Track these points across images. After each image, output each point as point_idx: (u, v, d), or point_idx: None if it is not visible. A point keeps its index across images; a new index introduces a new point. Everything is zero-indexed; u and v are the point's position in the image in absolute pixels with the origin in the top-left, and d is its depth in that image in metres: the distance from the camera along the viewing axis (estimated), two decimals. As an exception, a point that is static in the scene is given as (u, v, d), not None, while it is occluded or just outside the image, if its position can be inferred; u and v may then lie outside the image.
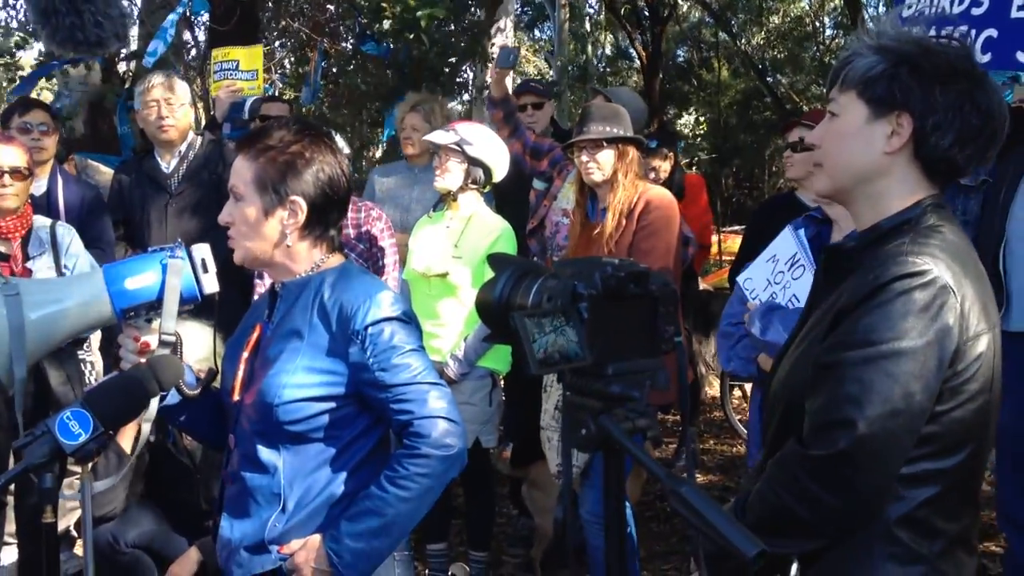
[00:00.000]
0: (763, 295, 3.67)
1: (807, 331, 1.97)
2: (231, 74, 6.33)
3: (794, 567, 1.45)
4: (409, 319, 2.37)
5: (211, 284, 2.41)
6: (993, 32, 4.11)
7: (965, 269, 1.80)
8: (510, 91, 5.49)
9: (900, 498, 1.80)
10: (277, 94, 10.26)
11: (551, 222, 4.94)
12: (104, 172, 6.35)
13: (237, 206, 2.35)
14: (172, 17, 7.44)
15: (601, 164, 4.15)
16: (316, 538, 2.30)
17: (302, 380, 2.29)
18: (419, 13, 6.99)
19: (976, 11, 4.24)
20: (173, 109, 5.05)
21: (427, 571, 4.69)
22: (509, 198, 5.36)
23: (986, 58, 4.07)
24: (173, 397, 2.47)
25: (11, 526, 4.52)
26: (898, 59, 1.83)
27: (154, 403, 2.41)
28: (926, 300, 1.74)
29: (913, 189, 1.89)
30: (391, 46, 8.23)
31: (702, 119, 23.15)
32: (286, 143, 2.33)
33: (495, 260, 1.81)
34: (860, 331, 1.77)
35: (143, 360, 2.35)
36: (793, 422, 1.87)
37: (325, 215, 2.37)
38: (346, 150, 5.31)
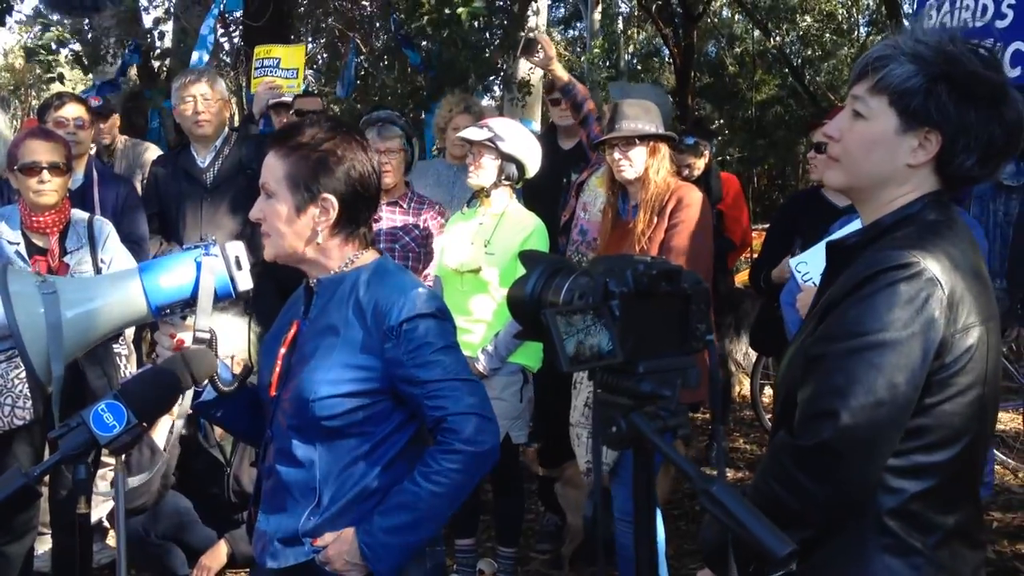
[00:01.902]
0: (817, 279, 3.64)
1: (805, 324, 1.99)
2: (271, 71, 6.38)
3: None
4: (444, 315, 2.37)
5: (245, 281, 2.43)
6: (1021, 45, 4.07)
7: (957, 262, 1.81)
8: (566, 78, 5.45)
9: (892, 490, 1.81)
10: (312, 90, 10.31)
11: (575, 216, 4.96)
12: (150, 148, 6.48)
13: (268, 203, 2.36)
14: (209, 23, 7.51)
15: (633, 161, 4.13)
16: (349, 531, 2.31)
17: (338, 376, 2.30)
18: (460, 10, 6.98)
19: (1000, 24, 4.21)
20: (209, 105, 5.10)
21: (455, 566, 4.70)
22: (542, 194, 5.36)
23: (1015, 72, 4.04)
24: (209, 392, 2.49)
25: (45, 516, 4.57)
26: (936, 74, 1.82)
27: (187, 398, 2.44)
28: (911, 292, 1.75)
29: (924, 191, 1.90)
30: (420, 54, 8.25)
31: (731, 118, 23.01)
32: (318, 141, 2.34)
33: (526, 257, 1.81)
34: (846, 323, 1.80)
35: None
36: (789, 413, 1.89)
37: (356, 212, 2.38)
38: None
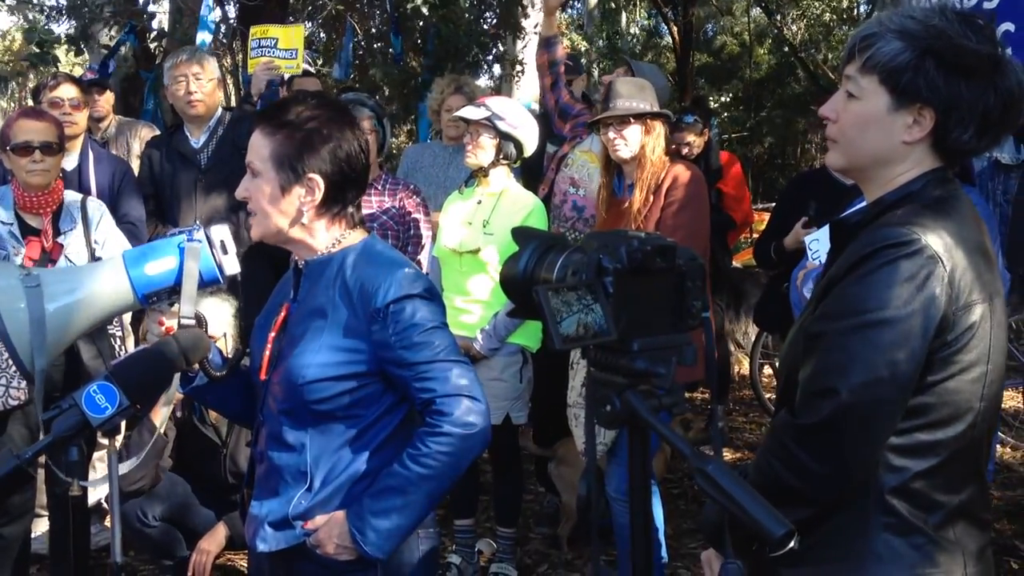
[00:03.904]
0: (825, 257, 3.62)
1: (807, 304, 1.98)
2: (268, 51, 6.31)
3: (792, 537, 1.45)
4: (431, 296, 2.34)
5: (232, 265, 2.40)
6: (1010, 26, 4.05)
7: (960, 239, 1.79)
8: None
9: (894, 469, 1.80)
10: (311, 70, 10.24)
11: (560, 191, 4.90)
12: (147, 126, 6.49)
13: (254, 182, 2.33)
14: (208, 2, 7.46)
15: (628, 140, 4.09)
16: (340, 514, 2.30)
17: (326, 359, 2.28)
18: None
19: (988, 5, 4.19)
20: (202, 84, 5.05)
21: (454, 547, 4.70)
22: (538, 174, 5.33)
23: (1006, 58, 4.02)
24: (201, 378, 2.47)
25: (43, 498, 4.57)
26: (924, 49, 1.80)
27: (174, 384, 2.42)
28: (912, 269, 1.73)
29: (925, 168, 1.89)
30: (403, 49, 8.20)
31: (731, 97, 22.95)
32: (304, 119, 2.30)
33: (519, 233, 1.78)
34: (846, 301, 1.79)
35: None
36: (790, 393, 1.88)
37: (343, 192, 2.34)
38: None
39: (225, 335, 2.54)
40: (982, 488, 1.93)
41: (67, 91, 5.08)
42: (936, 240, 1.75)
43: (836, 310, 1.80)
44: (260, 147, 2.31)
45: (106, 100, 6.45)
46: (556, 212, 4.89)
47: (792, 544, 1.46)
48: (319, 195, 2.30)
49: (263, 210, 2.33)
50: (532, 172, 5.26)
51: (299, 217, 2.32)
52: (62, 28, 9.41)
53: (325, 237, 2.37)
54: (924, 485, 1.81)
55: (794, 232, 4.83)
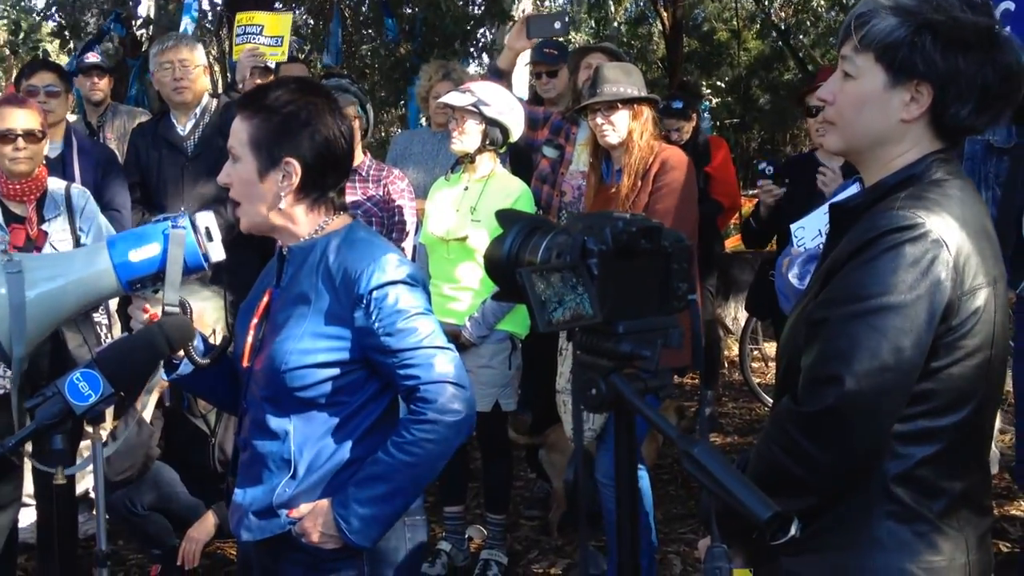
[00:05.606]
0: (810, 243, 3.60)
1: (807, 290, 1.95)
2: (253, 38, 6.28)
3: (794, 525, 1.43)
4: (415, 282, 2.32)
5: (217, 252, 2.39)
6: (1010, 5, 4.03)
7: (964, 222, 1.76)
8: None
9: (898, 456, 1.78)
10: (297, 56, 10.19)
11: (572, 187, 4.86)
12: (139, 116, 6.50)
13: (234, 167, 2.32)
14: None
15: (616, 126, 4.07)
16: (325, 503, 2.28)
17: (309, 346, 2.26)
18: None
19: None
20: (188, 71, 5.02)
21: (444, 533, 4.70)
22: (527, 163, 5.30)
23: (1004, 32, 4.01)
24: (185, 365, 2.45)
25: (30, 487, 4.55)
26: (919, 24, 1.77)
27: (158, 373, 2.41)
28: (916, 254, 1.71)
29: (925, 149, 1.86)
30: (404, 26, 8.18)
31: (721, 83, 22.89)
32: (282, 103, 2.28)
33: (504, 216, 1.76)
34: (849, 286, 1.75)
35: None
36: (791, 380, 1.85)
37: (322, 177, 2.32)
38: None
39: (214, 331, 2.52)
40: (984, 474, 1.91)
41: (43, 78, 5.03)
42: (940, 224, 1.72)
43: (839, 296, 1.77)
44: (239, 131, 2.30)
45: (105, 84, 6.47)
46: (571, 208, 4.85)
47: (793, 531, 1.44)
48: (296, 180, 2.28)
49: (243, 195, 2.31)
50: (521, 161, 5.23)
51: (276, 202, 2.30)
52: (51, 23, 9.37)
53: (307, 223, 2.35)
54: (927, 472, 1.78)
55: (762, 191, 4.83)
